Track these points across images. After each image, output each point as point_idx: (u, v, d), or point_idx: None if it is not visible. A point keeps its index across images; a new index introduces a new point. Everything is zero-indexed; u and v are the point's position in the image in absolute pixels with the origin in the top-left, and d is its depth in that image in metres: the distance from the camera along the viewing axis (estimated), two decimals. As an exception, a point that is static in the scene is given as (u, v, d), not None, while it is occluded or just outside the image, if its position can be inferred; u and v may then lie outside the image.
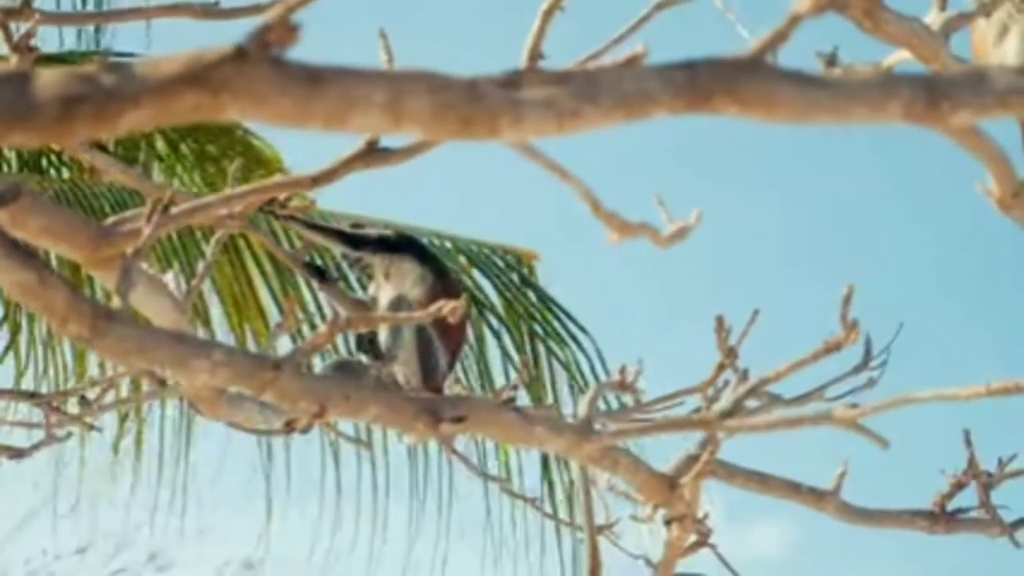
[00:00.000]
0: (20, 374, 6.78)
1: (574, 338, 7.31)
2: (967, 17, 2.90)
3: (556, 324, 7.36)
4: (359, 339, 4.44)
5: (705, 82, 1.51)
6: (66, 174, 7.44)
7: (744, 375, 3.12)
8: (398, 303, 4.48)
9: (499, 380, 7.06)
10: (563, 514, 6.73)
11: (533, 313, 7.36)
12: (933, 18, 2.78)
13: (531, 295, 7.41)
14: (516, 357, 7.16)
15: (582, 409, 2.79)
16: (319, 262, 5.07)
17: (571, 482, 6.73)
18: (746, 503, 3.20)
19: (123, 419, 6.91)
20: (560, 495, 6.87)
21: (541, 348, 7.28)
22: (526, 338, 7.29)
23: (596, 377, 7.10)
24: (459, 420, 2.22)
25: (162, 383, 2.95)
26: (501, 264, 7.45)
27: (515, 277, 7.42)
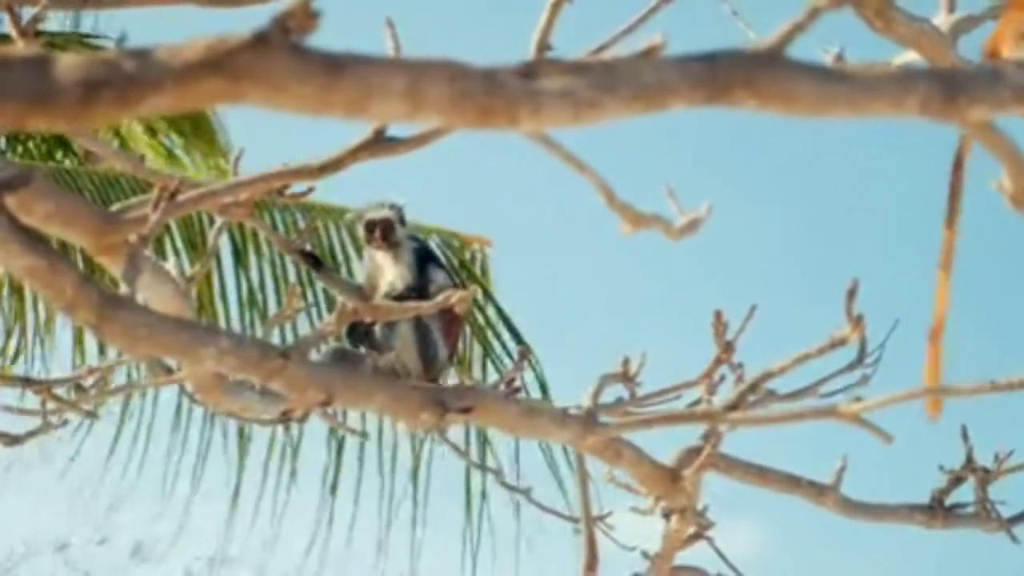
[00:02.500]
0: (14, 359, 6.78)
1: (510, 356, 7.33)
2: (976, 20, 2.89)
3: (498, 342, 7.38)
4: (351, 328, 4.44)
5: (724, 74, 1.51)
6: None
7: (740, 369, 3.13)
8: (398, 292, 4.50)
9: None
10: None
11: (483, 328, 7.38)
12: (941, 20, 2.78)
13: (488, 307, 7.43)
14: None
15: (586, 401, 2.79)
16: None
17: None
18: (715, 503, 3.20)
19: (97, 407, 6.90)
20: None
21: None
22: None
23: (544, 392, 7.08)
24: (465, 411, 2.22)
25: (168, 371, 2.94)
26: (458, 267, 7.46)
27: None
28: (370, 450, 7.31)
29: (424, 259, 4.65)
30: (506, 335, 7.38)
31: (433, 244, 7.40)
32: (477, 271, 7.47)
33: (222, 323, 7.06)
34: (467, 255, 7.50)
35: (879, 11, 2.19)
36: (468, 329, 7.24)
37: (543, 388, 7.10)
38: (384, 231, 4.58)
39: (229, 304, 7.23)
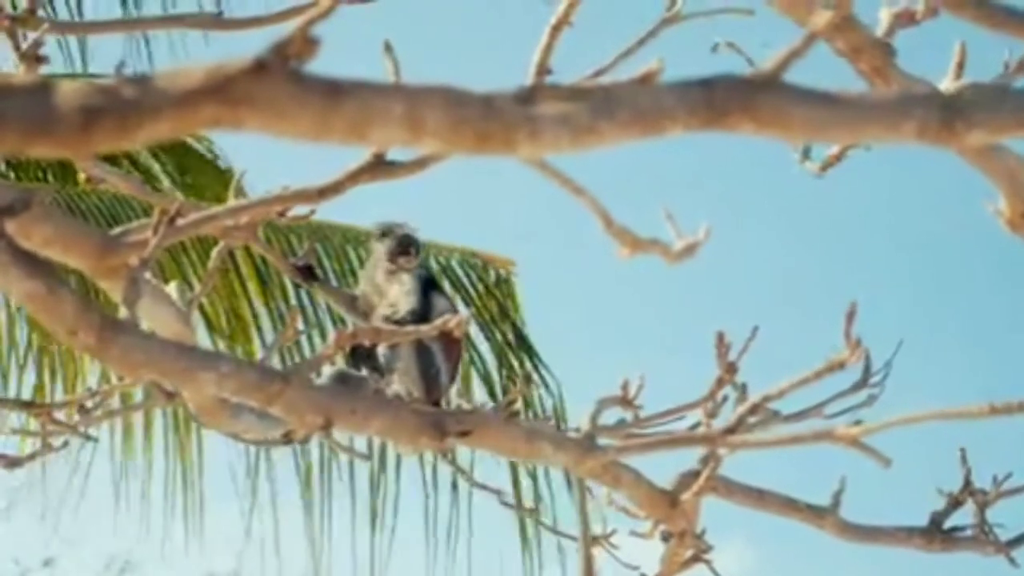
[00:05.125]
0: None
1: (539, 374, 7.30)
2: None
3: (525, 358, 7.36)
4: (352, 352, 4.44)
5: (722, 99, 1.51)
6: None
7: (743, 390, 3.13)
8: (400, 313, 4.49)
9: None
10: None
11: (508, 342, 7.35)
12: (947, 85, 2.76)
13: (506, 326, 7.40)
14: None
15: (585, 424, 2.79)
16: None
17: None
18: (706, 522, 3.20)
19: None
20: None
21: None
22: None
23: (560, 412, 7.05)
24: (464, 434, 2.22)
25: (169, 395, 2.95)
26: (481, 288, 7.43)
27: (494, 306, 7.40)
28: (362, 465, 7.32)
29: (427, 286, 4.64)
30: (525, 356, 7.36)
31: (454, 263, 7.39)
32: (500, 292, 7.43)
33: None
34: (490, 275, 7.46)
35: (878, 68, 2.16)
36: (490, 348, 7.23)
37: (557, 413, 7.06)
38: (417, 250, 4.58)
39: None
